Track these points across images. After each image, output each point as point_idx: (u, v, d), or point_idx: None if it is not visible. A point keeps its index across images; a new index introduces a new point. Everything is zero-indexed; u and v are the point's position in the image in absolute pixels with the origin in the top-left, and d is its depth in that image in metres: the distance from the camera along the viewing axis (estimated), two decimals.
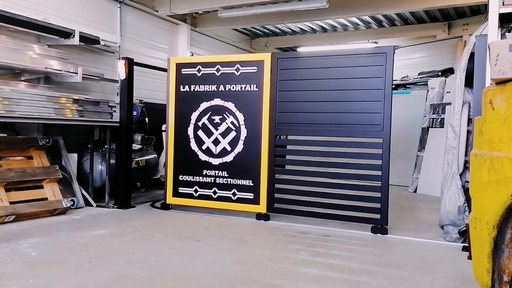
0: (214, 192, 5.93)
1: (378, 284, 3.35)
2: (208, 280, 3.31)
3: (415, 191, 8.44)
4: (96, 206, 6.17)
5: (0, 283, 3.12)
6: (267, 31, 12.11)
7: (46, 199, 5.55)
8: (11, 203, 5.15)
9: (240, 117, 5.82)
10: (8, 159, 5.53)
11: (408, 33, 11.18)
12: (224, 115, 5.91)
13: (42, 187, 5.61)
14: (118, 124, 6.34)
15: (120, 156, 6.31)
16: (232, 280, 3.34)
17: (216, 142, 5.94)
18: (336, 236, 4.96)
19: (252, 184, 5.71)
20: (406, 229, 5.30)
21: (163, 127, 7.95)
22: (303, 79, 5.54)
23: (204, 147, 6.01)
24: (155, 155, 7.71)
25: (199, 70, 6.07)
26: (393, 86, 11.34)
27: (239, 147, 5.81)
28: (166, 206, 6.18)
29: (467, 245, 3.85)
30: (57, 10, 6.75)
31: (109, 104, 6.54)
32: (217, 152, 5.94)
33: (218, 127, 5.94)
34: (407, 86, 11.42)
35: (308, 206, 5.50)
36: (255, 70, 5.74)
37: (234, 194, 5.82)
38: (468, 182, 4.42)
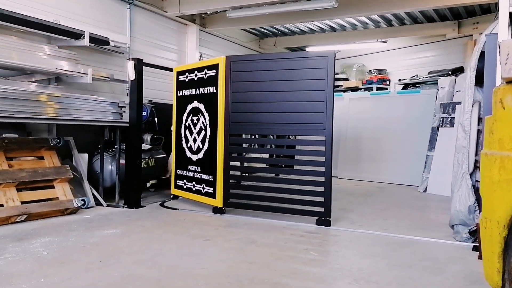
0: (193, 186, 6.43)
1: (387, 284, 3.34)
2: (217, 280, 3.32)
3: (425, 191, 8.37)
4: (106, 206, 6.21)
5: (12, 282, 3.16)
6: (276, 31, 12.11)
7: (57, 198, 5.60)
8: (22, 202, 5.21)
9: (207, 117, 6.16)
10: (20, 159, 5.60)
11: (418, 32, 11.12)
12: (199, 115, 6.30)
13: (53, 187, 5.67)
14: (127, 124, 6.38)
15: (129, 156, 6.36)
16: (241, 279, 3.36)
17: (194, 140, 6.41)
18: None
19: (213, 180, 6.02)
20: (415, 228, 5.28)
21: (173, 127, 8.00)
22: (254, 81, 5.81)
23: (188, 144, 6.54)
24: (165, 155, 7.75)
25: (186, 76, 6.59)
26: (403, 85, 11.52)
27: (206, 144, 6.18)
28: (174, 197, 6.93)
29: (478, 245, 3.82)
30: (67, 11, 6.82)
31: (119, 105, 6.59)
32: (195, 149, 6.41)
33: (195, 127, 6.36)
34: (417, 85, 11.37)
35: (260, 200, 5.85)
36: (214, 73, 6.01)
37: (203, 188, 6.22)
38: (479, 181, 4.37)
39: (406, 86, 11.76)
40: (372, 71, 12.79)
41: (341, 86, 12.98)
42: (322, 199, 5.36)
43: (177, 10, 8.76)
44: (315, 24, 11.37)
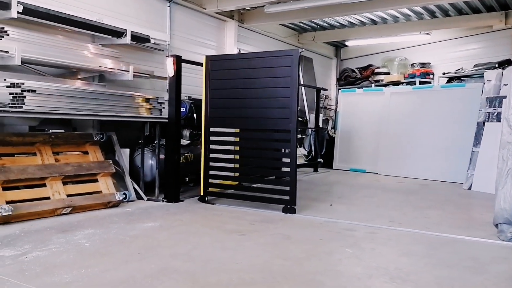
0: None
1: (425, 283, 3.25)
2: (251, 275, 3.35)
3: (469, 188, 8.06)
4: (146, 200, 6.38)
5: (55, 272, 3.31)
6: (314, 25, 11.99)
7: (100, 192, 5.81)
8: (68, 195, 5.43)
9: None
10: (66, 154, 5.84)
11: (463, 24, 10.70)
12: None
13: (96, 180, 5.87)
14: (167, 120, 6.52)
15: (169, 151, 6.49)
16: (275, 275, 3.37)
17: None
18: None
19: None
20: (458, 227, 5.10)
21: None
22: (229, 79, 6.23)
23: None
24: None
25: None
26: (447, 78, 11.14)
27: None
28: None
29: None
30: (109, 10, 7.02)
31: (159, 101, 6.74)
32: None
33: None
34: (462, 78, 10.96)
35: (235, 190, 6.48)
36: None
37: None
38: None
39: (450, 79, 11.35)
40: (414, 64, 12.43)
41: (382, 80, 12.70)
42: (288, 188, 5.77)
43: (215, 7, 8.83)
44: (355, 17, 11.17)
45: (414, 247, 4.29)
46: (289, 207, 5.71)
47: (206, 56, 6.40)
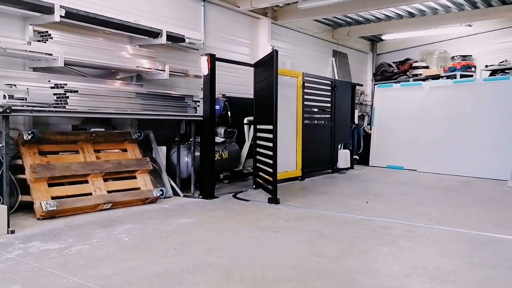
0: None
1: (466, 283, 3.16)
2: (284, 271, 3.36)
3: None
4: (183, 196, 6.50)
5: (96, 265, 3.44)
6: (349, 19, 11.78)
7: (138, 188, 5.97)
8: (108, 192, 5.62)
9: None
10: (106, 151, 6.04)
11: (507, 14, 10.23)
12: None
13: (135, 177, 6.03)
14: (202, 118, 6.61)
15: (203, 149, 6.58)
16: (309, 272, 3.36)
17: None
18: None
19: None
20: (501, 226, 4.92)
21: (245, 121, 8.14)
22: (258, 81, 7.18)
23: None
24: (238, 148, 7.91)
25: None
26: (490, 71, 10.71)
27: None
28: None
29: None
30: (146, 11, 7.17)
31: (194, 99, 6.84)
32: None
33: None
34: (506, 71, 10.51)
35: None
36: None
37: None
38: None
39: (493, 72, 10.92)
40: (455, 57, 12.03)
41: (420, 74, 12.37)
42: (271, 179, 6.22)
43: (249, 5, 8.84)
44: (392, 10, 10.89)
45: (454, 246, 4.16)
46: (273, 198, 6.11)
47: (254, 63, 7.50)
